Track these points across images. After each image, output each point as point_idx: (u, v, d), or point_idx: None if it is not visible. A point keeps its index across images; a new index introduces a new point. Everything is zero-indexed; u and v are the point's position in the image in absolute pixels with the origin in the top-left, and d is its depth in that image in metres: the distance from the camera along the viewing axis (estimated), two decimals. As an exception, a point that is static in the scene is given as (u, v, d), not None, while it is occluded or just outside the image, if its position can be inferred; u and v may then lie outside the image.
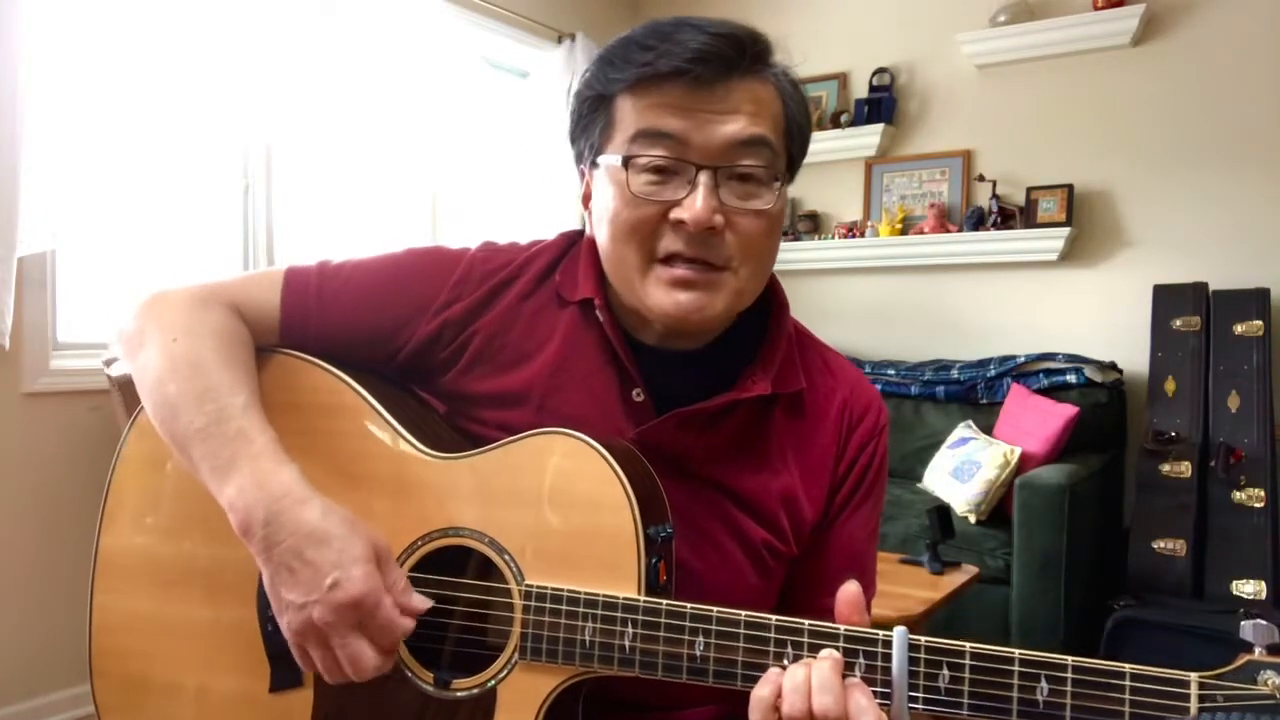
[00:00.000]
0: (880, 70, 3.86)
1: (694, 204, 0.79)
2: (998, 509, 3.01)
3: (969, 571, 2.34)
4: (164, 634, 0.92)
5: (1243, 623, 0.62)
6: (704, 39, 0.78)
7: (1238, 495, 2.80)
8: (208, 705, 0.90)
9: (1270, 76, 3.17)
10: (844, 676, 0.69)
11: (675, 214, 0.80)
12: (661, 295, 0.83)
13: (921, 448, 3.47)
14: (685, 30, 0.79)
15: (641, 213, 0.82)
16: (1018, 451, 3.02)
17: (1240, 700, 0.60)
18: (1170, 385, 3.05)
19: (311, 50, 3.00)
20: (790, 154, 0.87)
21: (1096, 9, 3.36)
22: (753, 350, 0.92)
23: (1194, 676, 0.63)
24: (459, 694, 0.81)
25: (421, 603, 0.79)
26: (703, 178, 0.79)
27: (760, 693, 0.71)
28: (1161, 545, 2.81)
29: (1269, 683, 0.61)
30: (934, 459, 3.34)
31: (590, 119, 0.86)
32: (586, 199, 0.91)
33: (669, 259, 0.83)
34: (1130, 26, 3.29)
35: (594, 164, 0.87)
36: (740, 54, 0.80)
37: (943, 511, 2.39)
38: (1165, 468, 2.92)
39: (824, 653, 0.71)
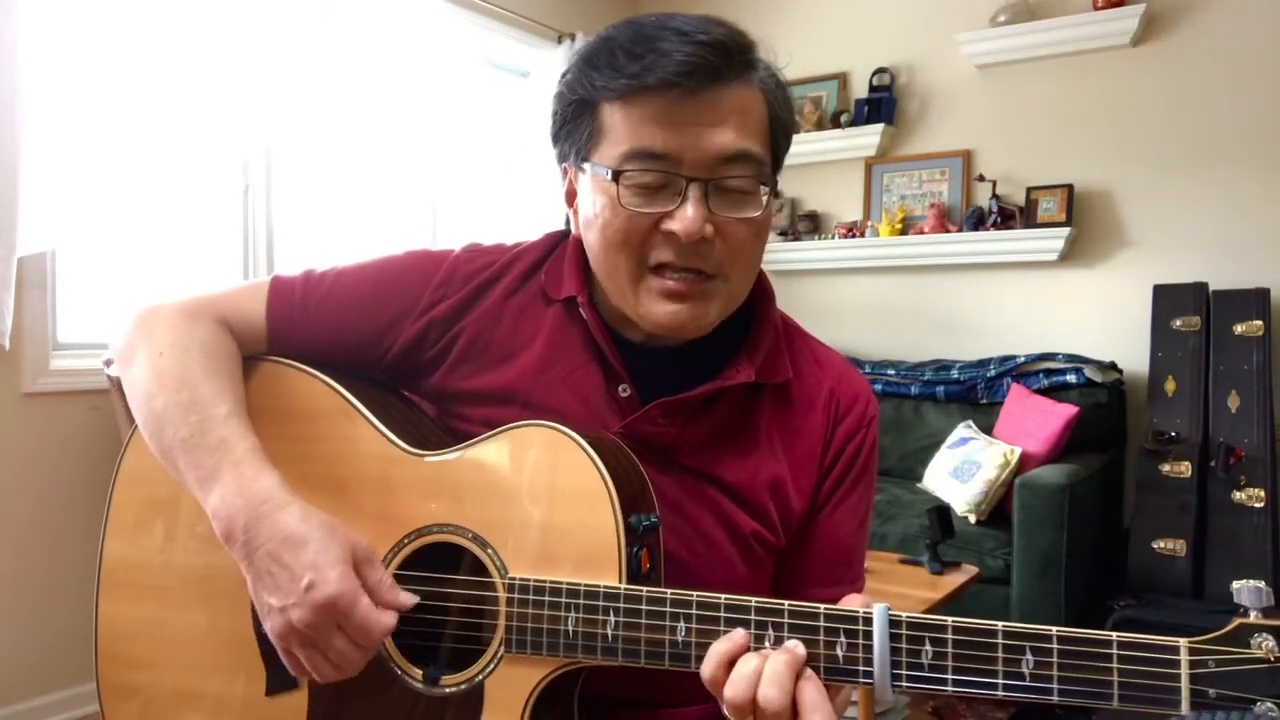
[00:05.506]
0: (880, 70, 3.87)
1: (685, 215, 0.79)
2: (998, 509, 3.00)
3: (969, 571, 2.33)
4: (166, 641, 0.93)
5: (1235, 585, 0.59)
6: (690, 49, 0.77)
7: (1238, 495, 2.79)
8: (210, 710, 0.91)
9: (1270, 76, 3.17)
10: (799, 673, 0.69)
11: (666, 225, 0.81)
12: (654, 306, 0.84)
13: (921, 448, 3.46)
14: (669, 38, 0.78)
15: (632, 224, 0.82)
16: (1018, 451, 3.01)
17: (1233, 665, 0.58)
18: (1170, 385, 3.04)
19: (311, 51, 3.01)
20: (775, 154, 0.87)
21: (1096, 9, 3.36)
22: (739, 342, 0.92)
23: (1183, 642, 0.61)
24: (448, 690, 0.81)
25: (408, 598, 0.80)
26: (693, 190, 0.79)
27: (719, 648, 0.71)
28: (1161, 545, 2.80)
29: (1263, 646, 0.58)
30: (934, 459, 3.33)
31: (575, 123, 0.85)
32: (570, 197, 0.91)
33: (660, 268, 0.83)
34: (1130, 26, 3.29)
35: (580, 167, 0.86)
36: (727, 61, 0.79)
37: (943, 511, 2.38)
38: (1165, 468, 2.91)
39: (789, 644, 0.71)
